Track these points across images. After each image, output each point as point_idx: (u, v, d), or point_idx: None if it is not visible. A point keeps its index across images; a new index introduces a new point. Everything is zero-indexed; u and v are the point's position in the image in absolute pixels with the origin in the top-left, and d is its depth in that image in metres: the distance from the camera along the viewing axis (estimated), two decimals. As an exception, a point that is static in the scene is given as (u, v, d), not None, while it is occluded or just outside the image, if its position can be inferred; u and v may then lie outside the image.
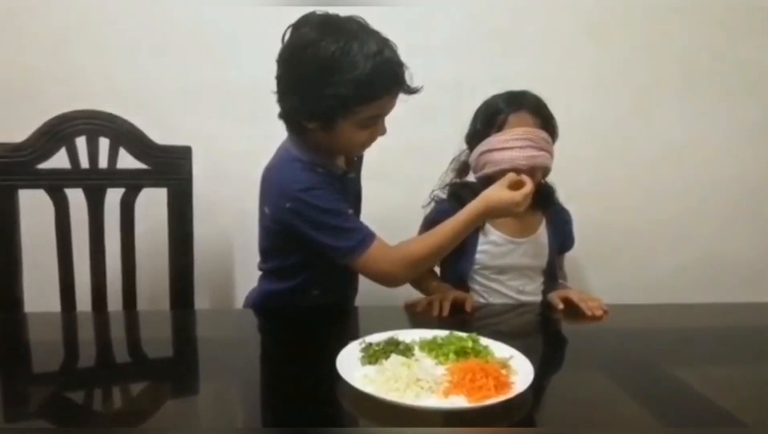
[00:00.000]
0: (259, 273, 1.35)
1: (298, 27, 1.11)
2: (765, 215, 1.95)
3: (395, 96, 1.13)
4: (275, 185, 1.19)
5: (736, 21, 1.84)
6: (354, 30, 1.08)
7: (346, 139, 1.15)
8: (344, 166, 1.26)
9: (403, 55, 1.13)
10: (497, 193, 1.18)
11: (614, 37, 1.80)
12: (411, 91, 1.14)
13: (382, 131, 1.18)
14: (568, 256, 1.61)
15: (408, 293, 1.41)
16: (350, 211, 1.18)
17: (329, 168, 1.19)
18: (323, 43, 1.06)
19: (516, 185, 1.19)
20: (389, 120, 1.18)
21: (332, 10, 1.12)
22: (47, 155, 1.32)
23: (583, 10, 1.77)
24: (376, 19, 1.13)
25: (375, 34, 1.10)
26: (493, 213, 1.21)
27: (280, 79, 1.14)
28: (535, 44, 1.77)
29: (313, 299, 1.28)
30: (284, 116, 1.17)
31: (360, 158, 1.35)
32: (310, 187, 1.14)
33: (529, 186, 1.19)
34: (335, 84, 1.06)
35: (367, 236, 1.15)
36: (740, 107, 1.89)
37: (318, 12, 1.12)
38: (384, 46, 1.09)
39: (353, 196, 1.30)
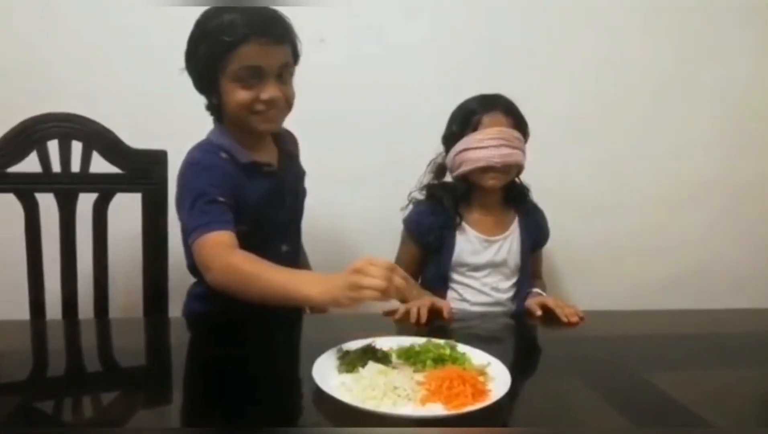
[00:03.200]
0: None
1: None
2: (746, 222, 1.99)
3: (263, 45, 1.12)
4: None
5: (718, 24, 1.87)
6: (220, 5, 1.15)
7: (231, 100, 1.16)
8: (267, 156, 1.25)
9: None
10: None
11: (596, 42, 1.82)
12: (274, 37, 1.12)
13: (271, 94, 1.15)
14: (545, 263, 1.63)
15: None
16: (220, 198, 1.12)
17: (235, 155, 1.20)
18: (201, 17, 1.17)
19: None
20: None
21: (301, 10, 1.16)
22: (17, 158, 1.28)
23: (561, 15, 1.79)
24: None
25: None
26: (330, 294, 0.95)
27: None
28: (514, 49, 1.78)
29: (246, 304, 1.11)
30: (207, 107, 1.23)
31: (289, 152, 1.32)
32: (194, 164, 1.18)
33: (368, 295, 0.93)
34: (202, 42, 1.14)
35: (213, 224, 1.10)
36: (724, 113, 1.92)
37: None
38: (245, 5, 1.14)
39: (268, 192, 1.23)
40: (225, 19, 1.12)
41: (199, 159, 1.19)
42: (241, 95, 1.15)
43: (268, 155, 1.27)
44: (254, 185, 1.21)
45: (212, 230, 1.09)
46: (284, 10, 1.18)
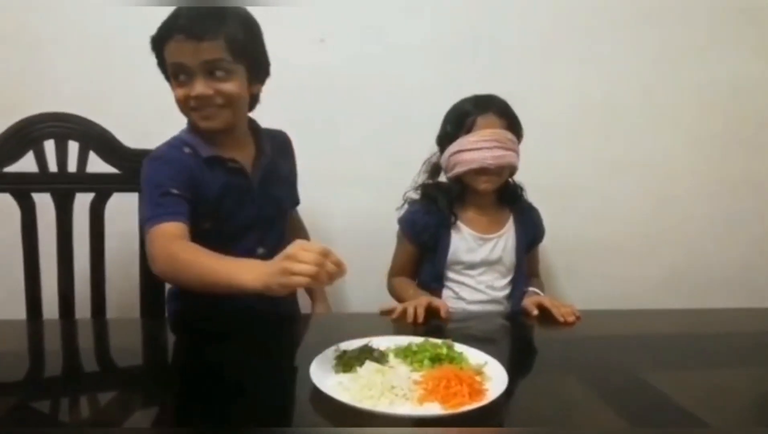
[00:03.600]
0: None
1: None
2: (741, 222, 1.99)
3: (181, 42, 1.13)
4: None
5: (716, 25, 1.87)
6: None
7: (175, 97, 1.19)
8: (234, 153, 1.24)
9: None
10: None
11: (594, 42, 1.82)
12: (195, 34, 1.12)
13: (198, 92, 1.15)
14: (542, 262, 1.63)
15: (382, 298, 1.41)
16: (175, 191, 1.14)
17: (196, 149, 1.21)
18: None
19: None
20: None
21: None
22: (14, 158, 1.28)
23: (556, 18, 1.79)
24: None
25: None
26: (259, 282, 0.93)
27: None
28: (513, 50, 1.78)
29: (224, 299, 1.08)
30: None
31: (265, 152, 1.29)
32: (155, 158, 1.21)
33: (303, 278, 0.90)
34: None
35: (165, 215, 1.11)
36: (720, 113, 1.92)
37: None
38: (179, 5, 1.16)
39: (228, 186, 1.22)
40: (167, 17, 1.15)
41: (160, 153, 1.22)
42: (176, 92, 1.18)
43: (238, 152, 1.25)
44: (215, 179, 1.21)
45: (162, 221, 1.10)
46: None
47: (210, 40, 1.13)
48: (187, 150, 1.21)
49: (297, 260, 0.88)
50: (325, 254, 0.89)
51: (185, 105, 1.19)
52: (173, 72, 1.17)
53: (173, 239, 1.08)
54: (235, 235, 1.25)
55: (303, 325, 1.26)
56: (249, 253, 1.23)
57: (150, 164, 1.20)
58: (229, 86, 1.17)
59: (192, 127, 1.24)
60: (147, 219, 1.12)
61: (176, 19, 1.14)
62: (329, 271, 0.89)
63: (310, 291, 1.48)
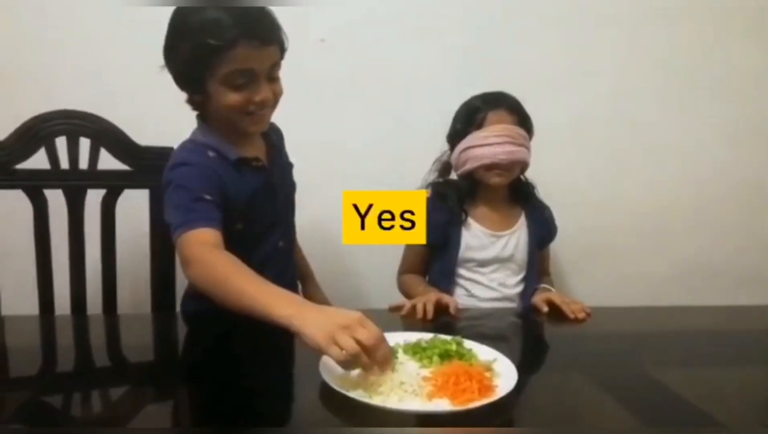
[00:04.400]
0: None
1: None
2: (750, 219, 1.97)
3: (254, 48, 1.07)
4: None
5: (722, 23, 1.85)
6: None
7: (222, 103, 1.11)
8: (255, 151, 1.23)
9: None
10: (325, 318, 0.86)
11: (602, 39, 1.81)
12: (264, 39, 1.08)
13: (264, 96, 1.12)
14: (551, 259, 1.63)
15: (392, 296, 1.41)
16: (207, 196, 1.10)
17: (224, 152, 1.17)
18: (174, 18, 1.12)
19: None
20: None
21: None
22: (26, 155, 1.29)
23: (569, 9, 1.78)
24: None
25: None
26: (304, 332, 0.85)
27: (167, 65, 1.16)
28: (517, 49, 1.77)
29: None
30: (188, 101, 1.19)
31: (275, 144, 1.30)
32: (180, 163, 1.15)
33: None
34: (182, 41, 1.09)
35: (198, 221, 1.07)
36: (726, 110, 1.90)
37: None
38: (233, 6, 1.08)
39: (259, 186, 1.21)
40: (208, 18, 1.06)
41: (184, 159, 1.16)
42: (232, 98, 1.11)
43: (256, 150, 1.24)
44: (245, 182, 1.19)
45: (196, 226, 1.06)
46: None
47: (272, 44, 1.11)
48: (211, 154, 1.17)
49: (351, 333, 0.81)
50: (381, 340, 0.83)
51: (241, 110, 1.13)
52: (231, 78, 1.09)
53: (210, 247, 1.04)
54: (262, 233, 1.24)
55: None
56: (273, 248, 1.25)
57: (175, 170, 1.15)
58: (280, 87, 1.16)
59: (212, 128, 1.20)
60: (179, 224, 1.07)
61: (238, 23, 1.06)
62: (371, 362, 0.82)
63: (302, 278, 1.47)
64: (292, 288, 1.31)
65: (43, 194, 1.31)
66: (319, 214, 1.52)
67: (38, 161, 1.30)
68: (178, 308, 1.39)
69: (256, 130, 1.20)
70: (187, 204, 1.09)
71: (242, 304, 0.93)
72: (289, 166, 1.36)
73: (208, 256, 1.02)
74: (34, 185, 1.30)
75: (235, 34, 1.05)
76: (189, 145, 1.20)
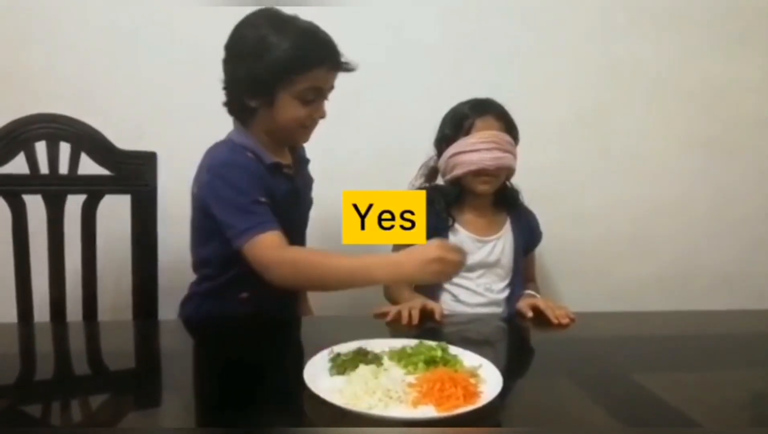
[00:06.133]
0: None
1: (243, 21, 1.19)
2: (733, 224, 2.00)
3: (330, 70, 1.17)
4: (203, 163, 1.23)
5: (700, 34, 1.89)
6: (288, 15, 1.17)
7: (288, 114, 1.18)
8: (286, 160, 1.27)
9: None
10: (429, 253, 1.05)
11: (590, 46, 1.83)
12: (346, 67, 1.18)
13: (322, 114, 1.21)
14: (537, 263, 1.64)
15: (378, 302, 1.41)
16: (262, 199, 1.15)
17: (260, 155, 1.21)
18: (261, 21, 1.16)
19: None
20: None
21: (310, 9, 1.19)
22: (4, 159, 1.27)
23: (553, 20, 1.80)
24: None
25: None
26: (407, 276, 1.11)
27: (227, 62, 1.19)
28: (511, 54, 1.79)
29: (244, 306, 1.25)
30: (229, 102, 1.22)
31: (302, 158, 1.35)
32: (227, 163, 1.18)
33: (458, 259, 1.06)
34: (273, 50, 1.13)
35: (264, 224, 1.12)
36: (705, 117, 1.93)
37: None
38: (316, 25, 1.17)
39: (288, 192, 1.25)
40: (307, 30, 1.15)
41: (229, 159, 1.19)
42: (299, 112, 1.18)
43: (285, 158, 1.28)
44: (277, 185, 1.23)
45: (263, 231, 1.11)
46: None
47: (339, 70, 1.19)
48: (249, 155, 1.20)
49: (447, 257, 1.03)
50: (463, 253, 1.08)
51: (302, 123, 1.20)
52: (304, 93, 1.16)
53: (283, 248, 1.12)
54: (289, 238, 1.25)
55: (297, 328, 1.25)
56: None
57: (223, 169, 1.17)
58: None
59: (249, 133, 1.23)
60: (243, 229, 1.11)
61: (330, 48, 1.16)
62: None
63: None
64: (297, 294, 1.41)
65: (21, 199, 1.29)
66: (319, 214, 1.51)
67: (17, 165, 1.28)
68: (160, 315, 1.38)
69: (304, 142, 1.28)
70: (247, 207, 1.14)
71: (342, 280, 1.10)
72: (311, 180, 1.39)
73: (287, 255, 1.11)
74: (12, 190, 1.28)
75: (324, 54, 1.15)
76: (229, 144, 1.23)
